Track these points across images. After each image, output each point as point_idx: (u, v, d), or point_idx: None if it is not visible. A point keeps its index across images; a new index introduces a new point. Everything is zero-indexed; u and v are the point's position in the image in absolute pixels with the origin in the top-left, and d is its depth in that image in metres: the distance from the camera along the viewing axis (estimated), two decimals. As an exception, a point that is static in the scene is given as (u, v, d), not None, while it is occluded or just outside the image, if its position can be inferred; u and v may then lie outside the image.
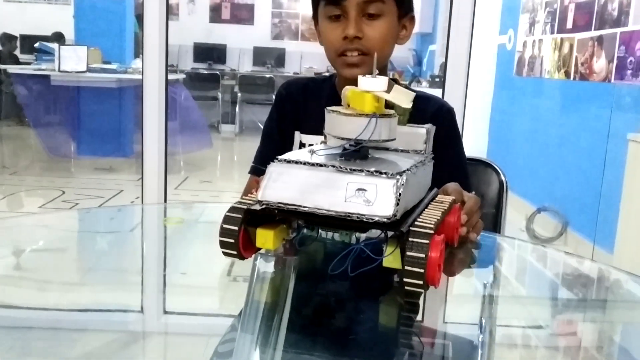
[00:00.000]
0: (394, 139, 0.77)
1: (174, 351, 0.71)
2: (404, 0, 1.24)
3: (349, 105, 0.77)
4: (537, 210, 3.96)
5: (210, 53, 8.55)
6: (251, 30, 8.74)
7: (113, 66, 5.15)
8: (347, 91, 0.77)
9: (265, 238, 0.77)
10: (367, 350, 0.69)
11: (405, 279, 0.70)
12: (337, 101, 1.30)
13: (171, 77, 5.84)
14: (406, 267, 0.69)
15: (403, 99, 0.77)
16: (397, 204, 0.69)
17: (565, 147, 4.02)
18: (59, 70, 4.98)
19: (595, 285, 0.96)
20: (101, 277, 0.90)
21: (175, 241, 1.11)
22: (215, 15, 8.81)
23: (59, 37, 6.83)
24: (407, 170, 0.74)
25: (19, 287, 0.85)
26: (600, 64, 3.52)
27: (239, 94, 8.03)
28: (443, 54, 7.19)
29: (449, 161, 1.26)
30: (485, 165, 1.46)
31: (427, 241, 0.69)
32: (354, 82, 1.22)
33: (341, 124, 0.75)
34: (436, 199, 0.87)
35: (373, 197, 0.70)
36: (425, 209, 0.80)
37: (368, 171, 0.71)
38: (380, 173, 0.71)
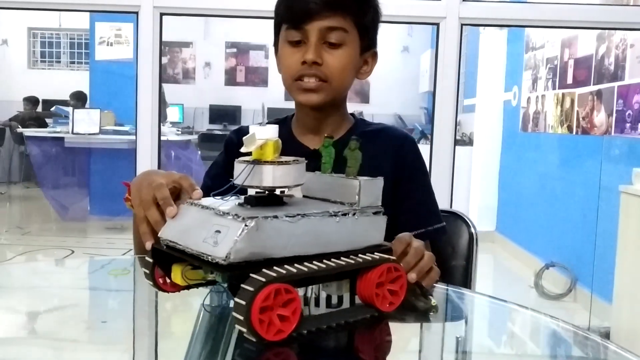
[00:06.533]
0: (293, 185, 0.78)
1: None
2: (367, 33, 1.20)
3: None
4: (545, 266, 3.88)
5: (225, 114, 8.73)
6: (265, 92, 8.93)
7: (125, 128, 5.27)
8: None
9: (175, 273, 0.80)
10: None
11: (236, 325, 0.69)
12: (294, 145, 1.25)
13: (185, 137, 5.97)
14: (233, 313, 0.68)
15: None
16: (233, 247, 0.69)
17: (571, 202, 3.97)
18: (73, 133, 5.12)
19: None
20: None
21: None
22: (231, 78, 9.04)
23: (79, 97, 6.73)
24: (272, 217, 0.72)
25: (33, 346, 0.85)
26: (600, 117, 3.52)
27: (253, 153, 8.13)
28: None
29: (414, 195, 1.23)
30: (455, 216, 1.42)
31: (252, 289, 0.67)
32: (310, 111, 1.19)
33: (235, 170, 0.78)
34: (362, 255, 0.79)
35: (222, 238, 0.71)
36: (313, 262, 0.74)
37: (231, 215, 0.72)
38: (238, 217, 0.71)
